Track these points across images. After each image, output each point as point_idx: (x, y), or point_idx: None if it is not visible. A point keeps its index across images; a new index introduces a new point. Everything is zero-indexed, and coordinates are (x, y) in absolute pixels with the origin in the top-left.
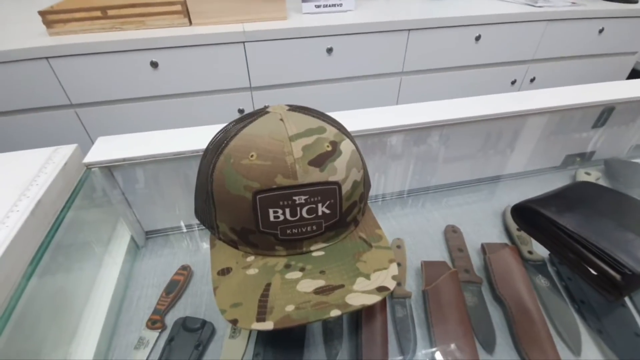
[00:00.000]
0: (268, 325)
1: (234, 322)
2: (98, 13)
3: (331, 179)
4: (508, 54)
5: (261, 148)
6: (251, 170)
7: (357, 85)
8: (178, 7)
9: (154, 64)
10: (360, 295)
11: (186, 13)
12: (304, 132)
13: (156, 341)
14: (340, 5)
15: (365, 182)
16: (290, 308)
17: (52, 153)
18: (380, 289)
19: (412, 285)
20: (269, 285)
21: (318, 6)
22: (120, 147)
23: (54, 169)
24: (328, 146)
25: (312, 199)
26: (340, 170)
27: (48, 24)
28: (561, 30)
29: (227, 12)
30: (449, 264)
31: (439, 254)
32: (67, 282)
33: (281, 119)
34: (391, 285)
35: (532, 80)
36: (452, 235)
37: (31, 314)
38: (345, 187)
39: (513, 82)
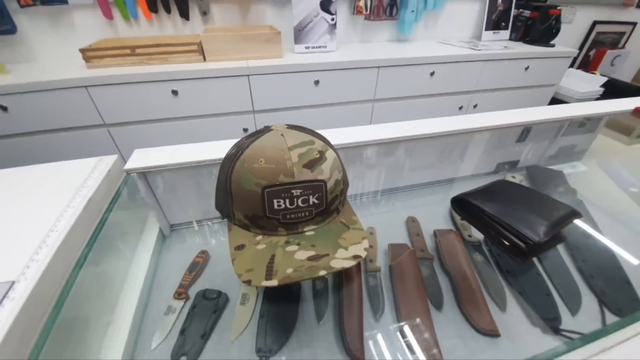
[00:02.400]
0: (273, 283)
1: (248, 281)
2: (128, 51)
3: (319, 177)
4: (456, 86)
5: (267, 155)
6: (260, 171)
7: (338, 109)
8: (195, 47)
9: (175, 92)
10: (340, 261)
11: (201, 52)
12: (299, 144)
13: (181, 309)
14: (325, 47)
15: (344, 181)
16: (289, 270)
17: (98, 162)
18: (355, 256)
19: (381, 262)
20: (273, 256)
21: (307, 47)
22: (154, 157)
23: (100, 174)
24: (317, 154)
25: (305, 192)
26: (325, 172)
27: (87, 59)
28: (496, 67)
29: (235, 52)
30: (409, 245)
31: (402, 238)
32: (110, 264)
33: (282, 135)
34: (363, 254)
35: (475, 106)
36: (412, 224)
37: (82, 288)
38: (330, 184)
39: (460, 108)
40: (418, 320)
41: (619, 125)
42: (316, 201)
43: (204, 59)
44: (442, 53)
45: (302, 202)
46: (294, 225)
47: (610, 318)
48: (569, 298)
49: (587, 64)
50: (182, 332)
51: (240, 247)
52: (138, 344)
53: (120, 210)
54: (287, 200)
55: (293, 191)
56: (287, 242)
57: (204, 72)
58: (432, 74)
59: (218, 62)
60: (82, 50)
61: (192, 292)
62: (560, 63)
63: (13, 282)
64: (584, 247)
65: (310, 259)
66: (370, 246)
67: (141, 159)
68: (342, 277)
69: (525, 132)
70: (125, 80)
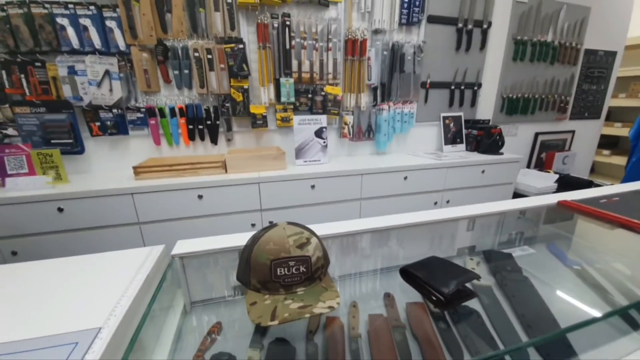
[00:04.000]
0: (275, 322)
1: (259, 323)
2: (167, 167)
3: (306, 254)
4: (427, 187)
5: (274, 240)
6: (270, 250)
7: (331, 207)
8: (219, 164)
9: (200, 196)
10: (320, 309)
11: (224, 166)
12: (294, 233)
13: None
14: (319, 160)
15: (325, 258)
16: (286, 314)
17: (150, 250)
18: (329, 307)
19: (362, 330)
20: (275, 307)
21: (305, 161)
22: (190, 246)
23: (153, 259)
24: (305, 240)
25: (297, 263)
26: (311, 250)
27: (136, 173)
28: (457, 172)
29: (250, 166)
30: (385, 316)
31: (380, 310)
32: (147, 334)
33: (283, 228)
34: (336, 305)
35: (448, 201)
36: (388, 299)
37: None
38: (313, 259)
39: (435, 203)
40: None
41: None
42: (304, 270)
43: (226, 171)
44: (412, 163)
45: (295, 270)
46: (289, 286)
47: None
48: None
49: (541, 164)
50: None
51: (253, 304)
52: None
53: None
54: (286, 269)
55: (290, 262)
56: (285, 299)
57: (225, 181)
58: (405, 178)
59: (236, 174)
60: (134, 167)
61: (208, 355)
62: (511, 166)
63: (100, 328)
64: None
65: (300, 307)
66: (354, 316)
67: (182, 247)
68: (329, 342)
69: (474, 223)
70: (162, 188)
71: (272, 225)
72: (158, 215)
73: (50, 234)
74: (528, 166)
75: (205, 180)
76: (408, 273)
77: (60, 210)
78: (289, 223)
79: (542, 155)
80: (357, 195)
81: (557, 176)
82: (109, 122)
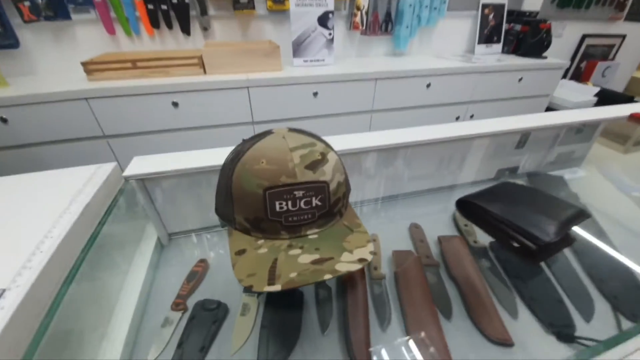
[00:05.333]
0: (277, 287)
1: (250, 287)
2: (129, 64)
3: (321, 179)
4: (452, 97)
5: (269, 156)
6: (262, 172)
7: (337, 120)
8: (195, 61)
9: (175, 104)
10: (346, 264)
11: (202, 65)
12: (300, 145)
13: (179, 320)
14: (323, 60)
15: (347, 184)
16: (293, 274)
17: (96, 169)
18: (360, 260)
19: (385, 269)
20: (276, 259)
21: (306, 61)
22: (153, 164)
23: (98, 181)
24: (319, 156)
25: (308, 194)
26: (328, 173)
27: (88, 72)
28: (490, 79)
29: (235, 65)
30: (414, 252)
31: (406, 245)
32: (106, 274)
33: (283, 137)
34: (369, 257)
35: (472, 116)
36: (415, 231)
37: (76, 299)
38: (332, 186)
39: (457, 118)
40: (427, 330)
41: (614, 133)
42: (319, 203)
43: (205, 72)
44: (438, 66)
45: (305, 204)
46: (296, 228)
47: (626, 323)
48: (581, 304)
49: (579, 75)
50: (180, 345)
51: (241, 252)
52: (134, 357)
53: (118, 219)
54: (290, 202)
55: (295, 192)
56: (290, 246)
57: (204, 84)
58: (428, 85)
59: (218, 75)
60: (84, 64)
61: (191, 302)
62: (552, 74)
63: (4, 290)
64: (592, 252)
65: (314, 262)
66: (374, 253)
67: (140, 165)
68: (347, 285)
69: (523, 139)
70: (125, 92)
71: (265, 132)
72: (127, 127)
73: None
74: (564, 76)
75: (179, 82)
76: (472, 207)
77: (3, 120)
78: (291, 130)
79: (582, 64)
80: (368, 106)
81: (597, 89)
82: (40, 0)
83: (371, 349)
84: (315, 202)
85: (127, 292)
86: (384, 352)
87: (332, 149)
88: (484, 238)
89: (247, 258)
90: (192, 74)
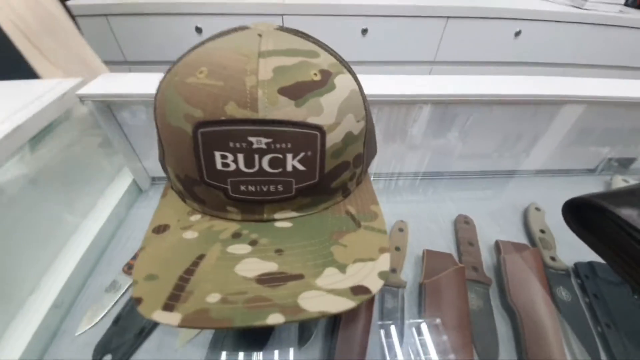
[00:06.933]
0: (173, 319)
1: (138, 301)
2: None
3: (311, 120)
4: (546, 55)
5: (215, 63)
6: (195, 92)
7: (386, 69)
8: None
9: (199, 29)
10: (322, 296)
11: None
12: (285, 50)
13: (128, 287)
14: None
15: (368, 141)
16: (213, 298)
17: (57, 84)
18: (357, 289)
19: (408, 274)
20: (201, 257)
21: None
22: (124, 85)
23: (48, 99)
24: (316, 74)
25: (277, 146)
26: (328, 112)
27: None
28: (605, 35)
29: None
30: (456, 257)
31: (446, 244)
32: (56, 210)
33: (259, 34)
34: (374, 286)
35: None
36: (463, 227)
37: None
38: (333, 137)
39: None
40: None
41: None
42: (300, 167)
43: None
44: (534, 7)
45: (271, 164)
46: (255, 206)
47: None
48: None
49: None
50: (117, 321)
51: (161, 229)
52: (63, 324)
53: (74, 149)
54: (241, 157)
55: (252, 139)
56: (237, 236)
57: (231, 7)
58: (517, 33)
59: None
60: None
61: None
62: None
63: None
64: None
65: (263, 279)
66: (398, 248)
67: (106, 84)
68: None
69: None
70: (147, 10)
71: (239, 27)
72: (149, 55)
73: None
74: None
75: (204, 2)
76: (599, 215)
77: None
78: (281, 28)
79: None
80: (431, 55)
81: None
82: None
83: None
84: (292, 163)
85: (76, 241)
86: None
87: (348, 69)
88: (566, 254)
89: (164, 243)
90: None
